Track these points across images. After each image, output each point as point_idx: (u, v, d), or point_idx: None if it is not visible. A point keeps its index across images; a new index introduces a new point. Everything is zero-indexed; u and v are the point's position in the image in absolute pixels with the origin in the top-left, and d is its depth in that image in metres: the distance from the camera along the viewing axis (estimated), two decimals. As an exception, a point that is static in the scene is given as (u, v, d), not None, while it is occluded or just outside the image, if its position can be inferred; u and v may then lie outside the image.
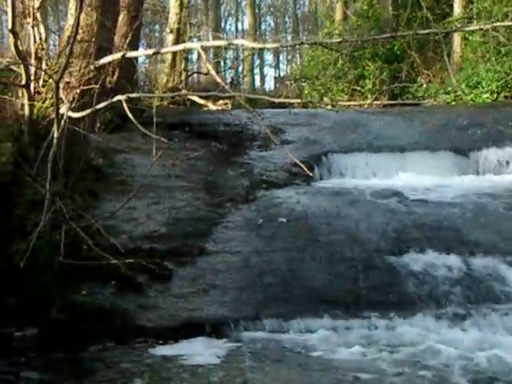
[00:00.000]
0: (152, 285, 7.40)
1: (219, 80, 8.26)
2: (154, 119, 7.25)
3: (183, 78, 19.21)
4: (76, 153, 8.27)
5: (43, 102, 8.44)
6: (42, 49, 8.50)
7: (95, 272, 7.23)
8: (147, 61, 25.15)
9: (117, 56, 8.87)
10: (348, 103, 15.99)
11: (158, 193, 9.48)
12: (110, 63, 9.08)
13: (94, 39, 8.69)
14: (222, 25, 42.73)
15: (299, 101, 10.53)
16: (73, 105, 8.10)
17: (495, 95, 17.01)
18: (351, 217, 8.80)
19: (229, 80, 25.18)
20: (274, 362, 6.06)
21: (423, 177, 10.88)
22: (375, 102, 16.02)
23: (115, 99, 7.83)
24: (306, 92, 21.89)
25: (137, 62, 14.96)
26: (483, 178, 10.99)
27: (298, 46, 32.41)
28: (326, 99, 20.35)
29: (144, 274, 7.43)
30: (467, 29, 14.88)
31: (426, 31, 10.69)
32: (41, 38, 8.51)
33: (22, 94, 8.22)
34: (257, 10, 40.23)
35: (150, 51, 11.36)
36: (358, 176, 11.32)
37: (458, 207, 8.99)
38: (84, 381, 5.87)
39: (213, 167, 11.00)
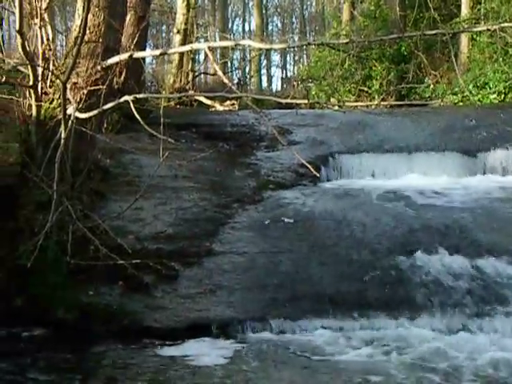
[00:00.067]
0: (159, 285, 7.40)
1: (226, 81, 8.27)
2: (161, 120, 7.25)
3: (190, 78, 19.23)
4: (83, 153, 8.27)
5: (50, 103, 8.45)
6: (50, 49, 8.50)
7: (102, 272, 7.24)
8: (154, 61, 25.24)
9: (124, 56, 8.88)
10: (355, 104, 15.97)
11: (165, 193, 9.49)
12: (117, 64, 9.09)
13: (101, 40, 8.70)
14: (229, 25, 42.84)
15: (306, 101, 10.50)
16: (80, 105, 8.11)
17: (502, 96, 16.97)
18: (358, 218, 8.78)
19: (236, 81, 25.21)
20: (280, 363, 6.05)
21: (430, 177, 10.87)
22: (382, 103, 16.00)
23: (122, 100, 7.84)
24: (313, 93, 21.87)
25: (144, 62, 14.99)
26: (491, 178, 10.96)
27: (304, 47, 32.40)
28: (332, 100, 20.35)
29: (151, 274, 7.43)
30: (475, 29, 14.89)
31: (434, 32, 10.65)
32: (48, 39, 8.52)
33: (30, 94, 8.23)
34: (264, 11, 40.27)
35: (157, 52, 11.40)
36: (365, 177, 11.31)
37: (465, 208, 8.97)
38: (91, 381, 5.88)
39: (220, 168, 11.00)
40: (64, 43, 20.38)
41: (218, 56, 27.03)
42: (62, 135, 7.53)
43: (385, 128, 12.99)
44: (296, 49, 41.26)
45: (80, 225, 7.31)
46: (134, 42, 12.42)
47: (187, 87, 18.45)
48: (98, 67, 8.52)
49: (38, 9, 8.39)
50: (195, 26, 21.58)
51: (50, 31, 8.65)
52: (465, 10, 19.86)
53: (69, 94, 7.98)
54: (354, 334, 6.63)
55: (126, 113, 9.71)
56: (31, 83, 8.08)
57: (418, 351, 6.15)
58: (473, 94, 16.93)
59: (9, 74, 8.45)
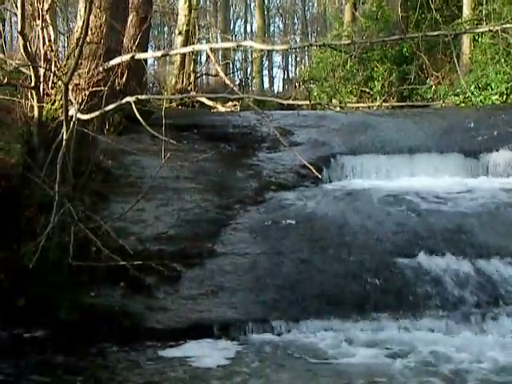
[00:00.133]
0: (160, 286, 7.39)
1: (228, 82, 8.27)
2: (163, 121, 7.25)
3: (192, 79, 19.23)
4: (85, 154, 8.28)
5: (52, 104, 8.46)
6: (51, 50, 8.51)
7: (104, 273, 7.24)
8: (156, 62, 25.26)
9: (126, 58, 8.88)
10: (357, 105, 15.98)
11: (167, 194, 9.49)
12: (119, 65, 9.09)
13: (103, 41, 8.71)
14: (231, 26, 42.86)
15: (308, 102, 10.49)
16: (82, 106, 8.10)
17: (504, 97, 16.96)
18: (360, 219, 8.77)
19: (238, 82, 25.23)
20: (282, 365, 6.04)
21: (432, 179, 10.86)
22: (384, 104, 15.99)
23: (124, 101, 7.84)
24: (315, 94, 21.87)
25: (146, 63, 15.00)
26: (493, 179, 10.95)
27: (306, 48, 32.40)
28: (334, 101, 20.37)
29: (153, 275, 7.43)
30: (476, 30, 14.87)
31: (435, 33, 10.64)
32: (50, 40, 8.53)
33: (31, 95, 8.23)
34: (266, 12, 40.24)
35: (159, 53, 11.40)
36: (367, 178, 11.29)
37: (467, 209, 8.96)
38: (92, 382, 5.87)
39: (221, 169, 11.00)
40: (66, 44, 20.44)
41: (220, 57, 27.05)
42: (64, 136, 7.53)
43: (386, 129, 12.98)
44: (298, 50, 41.27)
45: (82, 226, 7.30)
46: (136, 43, 12.42)
47: (189, 88, 18.46)
48: (100, 68, 8.52)
49: (40, 10, 8.39)
50: (197, 27, 21.59)
51: (51, 32, 8.65)
52: (466, 11, 19.85)
53: (71, 95, 7.98)
54: (356, 335, 6.61)
55: (128, 114, 9.72)
56: (33, 84, 8.08)
57: (420, 354, 6.13)
58: (475, 95, 16.92)
59: (11, 75, 8.45)
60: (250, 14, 46.63)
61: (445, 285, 7.31)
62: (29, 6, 8.40)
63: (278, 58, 46.40)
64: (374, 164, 11.54)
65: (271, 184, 10.43)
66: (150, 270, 7.36)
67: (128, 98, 7.79)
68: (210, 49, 8.58)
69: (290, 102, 9.89)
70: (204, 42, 25.70)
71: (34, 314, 6.80)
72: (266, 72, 42.53)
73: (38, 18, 8.42)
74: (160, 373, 5.88)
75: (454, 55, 14.74)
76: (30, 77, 8.15)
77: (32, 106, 8.26)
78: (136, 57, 9.08)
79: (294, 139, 12.47)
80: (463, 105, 17.30)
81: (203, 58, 26.08)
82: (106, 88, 8.24)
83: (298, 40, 42.07)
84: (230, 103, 17.22)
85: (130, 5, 11.08)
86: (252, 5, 44.59)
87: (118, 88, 11.47)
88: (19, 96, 8.44)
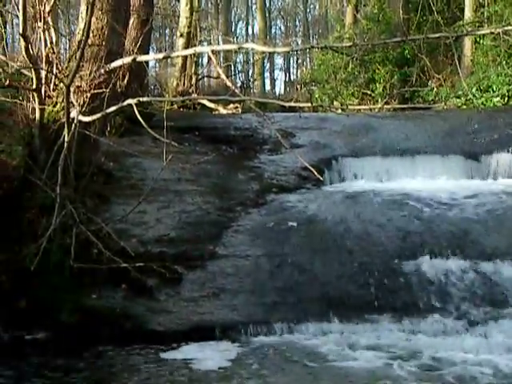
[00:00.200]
0: (162, 288, 7.40)
1: (229, 84, 8.27)
2: (165, 123, 7.26)
3: (193, 81, 19.23)
4: (86, 156, 8.28)
5: (54, 106, 8.46)
6: (53, 53, 8.51)
7: (105, 275, 7.24)
8: (157, 65, 25.27)
9: (127, 60, 8.88)
10: (358, 107, 16.00)
11: (168, 196, 9.48)
12: (120, 67, 9.09)
13: (104, 43, 8.72)
14: (233, 29, 42.90)
15: (309, 105, 10.48)
16: (83, 109, 8.11)
17: (506, 99, 16.93)
18: (362, 221, 8.77)
19: (239, 84, 25.23)
20: (283, 367, 6.04)
21: (434, 181, 10.84)
22: (385, 106, 15.97)
23: (126, 103, 7.85)
24: (317, 96, 21.87)
25: (147, 65, 14.98)
26: (495, 181, 10.93)
27: (308, 50, 32.42)
28: (336, 103, 20.36)
29: (154, 277, 7.43)
30: (478, 32, 14.86)
31: (437, 35, 10.65)
32: (52, 42, 8.53)
33: (33, 97, 8.23)
34: (267, 14, 40.31)
35: (161, 55, 11.42)
36: (369, 180, 11.27)
37: (469, 211, 8.94)
38: (94, 384, 5.89)
39: (223, 171, 10.99)
40: (67, 46, 20.46)
41: (222, 59, 27.02)
42: (66, 138, 7.54)
43: (388, 131, 12.97)
44: (299, 52, 41.30)
45: (83, 228, 7.31)
46: (138, 45, 12.41)
47: (190, 90, 18.46)
48: (102, 70, 8.53)
49: (42, 12, 8.40)
50: (198, 30, 21.59)
51: (53, 34, 8.66)
52: (468, 13, 19.84)
53: (72, 98, 7.99)
54: (357, 339, 6.60)
55: (130, 116, 9.71)
56: (35, 86, 8.09)
57: (423, 358, 6.11)
58: (476, 97, 16.90)
59: (12, 77, 8.45)
60: (251, 16, 46.74)
61: (448, 287, 7.30)
62: (30, 8, 8.41)
63: (279, 61, 46.54)
64: (376, 166, 11.52)
65: (273, 186, 10.42)
66: (151, 272, 7.37)
67: (129, 100, 7.80)
68: (212, 51, 8.59)
69: (292, 104, 9.86)
70: (205, 44, 25.75)
71: (35, 316, 6.80)
72: (267, 74, 42.65)
73: (40, 20, 8.43)
74: (161, 375, 5.88)
75: (456, 57, 14.75)
76: (32, 79, 8.15)
77: (34, 108, 8.27)
78: (137, 59, 9.09)
79: (296, 141, 12.47)
80: (465, 107, 17.27)
81: (205, 60, 26.09)
82: (108, 90, 8.25)
83: (299, 42, 42.13)
84: (231, 105, 17.26)
85: (131, 7, 11.09)
86: (253, 7, 44.68)
87: (119, 90, 11.47)
88: (21, 98, 8.45)
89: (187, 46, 18.17)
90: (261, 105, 13.85)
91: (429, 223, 8.62)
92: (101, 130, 9.00)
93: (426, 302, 7.11)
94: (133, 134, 11.38)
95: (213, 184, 10.27)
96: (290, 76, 46.13)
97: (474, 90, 17.07)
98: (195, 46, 18.06)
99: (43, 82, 8.32)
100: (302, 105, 10.66)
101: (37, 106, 8.17)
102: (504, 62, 17.11)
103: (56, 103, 8.46)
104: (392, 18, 21.65)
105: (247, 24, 47.50)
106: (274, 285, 7.48)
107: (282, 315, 6.98)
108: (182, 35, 18.87)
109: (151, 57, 12.06)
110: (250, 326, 6.82)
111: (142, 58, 9.72)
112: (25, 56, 7.79)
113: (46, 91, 8.39)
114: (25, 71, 8.47)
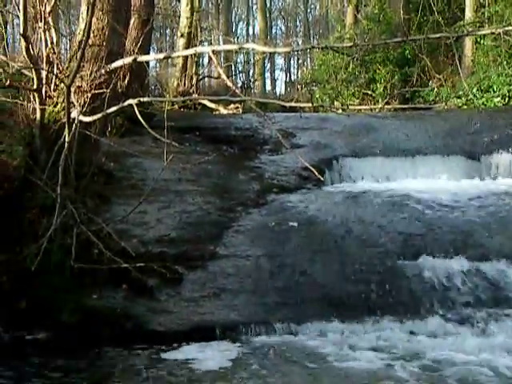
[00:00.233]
0: (163, 289, 7.39)
1: (230, 84, 8.27)
2: (165, 123, 7.26)
3: (194, 82, 19.23)
4: (87, 157, 8.28)
5: (54, 106, 8.46)
6: (54, 53, 8.51)
7: (106, 276, 7.24)
8: (158, 65, 25.27)
9: (128, 60, 8.88)
10: (359, 107, 15.99)
11: (169, 197, 9.48)
12: (121, 67, 9.10)
13: (105, 43, 8.72)
14: (233, 29, 42.88)
15: (310, 105, 10.48)
16: (84, 109, 8.11)
17: (507, 99, 16.93)
18: (362, 221, 8.77)
19: (240, 84, 25.22)
20: (285, 367, 6.03)
21: (435, 181, 10.84)
22: (386, 106, 15.96)
23: (126, 103, 7.85)
24: (317, 96, 21.87)
25: (148, 66, 14.98)
26: (495, 181, 10.93)
27: (308, 50, 32.43)
28: (336, 103, 20.35)
29: (155, 277, 7.43)
30: (479, 33, 14.86)
31: (438, 35, 10.67)
32: (52, 42, 8.53)
33: (34, 98, 8.24)
34: (268, 14, 40.28)
35: (161, 55, 11.41)
36: (369, 180, 11.28)
37: (470, 211, 8.94)
38: (94, 385, 5.89)
39: (223, 171, 10.99)
40: (68, 47, 20.44)
41: (222, 59, 27.02)
42: (66, 139, 7.54)
43: (389, 131, 12.97)
44: (300, 52, 41.26)
45: (84, 228, 7.31)
46: (138, 45, 12.41)
47: (191, 91, 18.46)
48: (102, 71, 8.53)
49: (43, 12, 8.40)
50: (199, 30, 21.61)
51: (54, 35, 8.66)
52: (469, 14, 19.82)
53: (73, 98, 7.99)
54: (358, 338, 6.61)
55: (130, 116, 9.72)
56: (35, 87, 8.09)
57: (424, 358, 6.09)
58: (477, 98, 16.89)
59: (13, 78, 8.45)
60: (252, 17, 46.72)
61: (449, 287, 7.30)
62: (31, 8, 8.41)
63: (280, 61, 46.52)
64: (376, 166, 11.52)
65: (273, 186, 10.42)
66: (152, 273, 7.37)
67: (130, 101, 7.80)
68: (212, 51, 8.58)
69: (292, 104, 9.85)
70: (206, 44, 25.74)
71: (35, 316, 6.80)
72: (268, 74, 42.61)
73: (41, 21, 8.43)
74: (162, 375, 5.87)
75: (456, 57, 14.77)
76: (33, 79, 8.16)
77: (34, 109, 8.27)
78: (138, 59, 9.09)
79: (296, 141, 12.47)
80: (465, 107, 17.26)
81: (205, 60, 26.09)
82: (108, 90, 8.25)
83: (300, 42, 42.12)
84: (232, 105, 17.28)
85: (132, 7, 11.09)
86: (254, 7, 44.69)
87: (120, 90, 11.47)
88: (21, 98, 8.46)
89: (188, 46, 18.17)
90: (261, 105, 13.85)
91: (429, 223, 8.62)
92: (101, 130, 9.00)
93: (426, 303, 7.11)
94: (133, 134, 11.38)
95: (213, 184, 10.27)
96: (290, 76, 46.16)
97: (474, 91, 17.06)
98: (196, 46, 18.06)
99: (44, 82, 8.32)
100: (302, 105, 10.66)
101: (37, 106, 8.17)
102: (505, 62, 17.11)
103: (57, 103, 8.46)
104: (393, 19, 21.65)
105: (248, 24, 47.51)
106: (275, 285, 7.47)
107: (283, 315, 6.98)
108: (182, 35, 18.87)
109: (152, 57, 12.06)
110: (251, 326, 6.81)
111: (142, 58, 9.72)
112: (25, 56, 7.79)
113: (46, 91, 8.39)
114: (25, 71, 8.48)
